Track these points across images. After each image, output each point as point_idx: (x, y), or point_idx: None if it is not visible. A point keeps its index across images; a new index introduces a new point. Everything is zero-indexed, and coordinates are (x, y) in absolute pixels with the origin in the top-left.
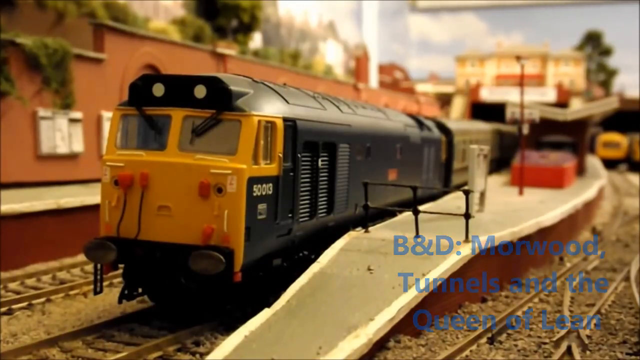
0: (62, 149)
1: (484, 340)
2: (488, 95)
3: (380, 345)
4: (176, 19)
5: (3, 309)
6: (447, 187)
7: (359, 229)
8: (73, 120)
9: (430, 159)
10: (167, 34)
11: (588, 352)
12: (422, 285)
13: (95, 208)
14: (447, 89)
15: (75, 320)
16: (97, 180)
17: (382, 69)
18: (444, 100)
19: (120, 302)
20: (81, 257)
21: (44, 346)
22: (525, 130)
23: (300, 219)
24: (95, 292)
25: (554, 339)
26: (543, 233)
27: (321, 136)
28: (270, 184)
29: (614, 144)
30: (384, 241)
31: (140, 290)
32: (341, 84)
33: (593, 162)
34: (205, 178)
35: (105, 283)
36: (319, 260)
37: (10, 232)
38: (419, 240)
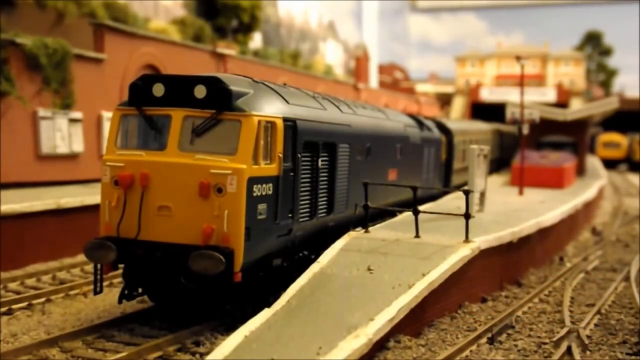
0: (62, 149)
1: (484, 340)
2: (488, 95)
3: (380, 345)
4: (176, 19)
5: (3, 309)
6: (447, 187)
7: (359, 229)
8: (73, 120)
9: (430, 159)
10: (167, 34)
11: (588, 352)
12: (422, 285)
13: (95, 208)
14: (447, 89)
15: (75, 320)
16: (97, 180)
17: (382, 69)
18: (444, 100)
19: (120, 302)
20: (81, 257)
21: (44, 346)
22: (525, 130)
23: (300, 219)
24: (95, 292)
25: (554, 339)
26: (543, 233)
27: (321, 136)
28: (270, 184)
29: (614, 144)
30: (384, 241)
31: (140, 290)
32: (341, 84)
33: (593, 162)
34: (205, 178)
35: (105, 283)
36: (319, 260)
37: (10, 232)
38: (418, 240)
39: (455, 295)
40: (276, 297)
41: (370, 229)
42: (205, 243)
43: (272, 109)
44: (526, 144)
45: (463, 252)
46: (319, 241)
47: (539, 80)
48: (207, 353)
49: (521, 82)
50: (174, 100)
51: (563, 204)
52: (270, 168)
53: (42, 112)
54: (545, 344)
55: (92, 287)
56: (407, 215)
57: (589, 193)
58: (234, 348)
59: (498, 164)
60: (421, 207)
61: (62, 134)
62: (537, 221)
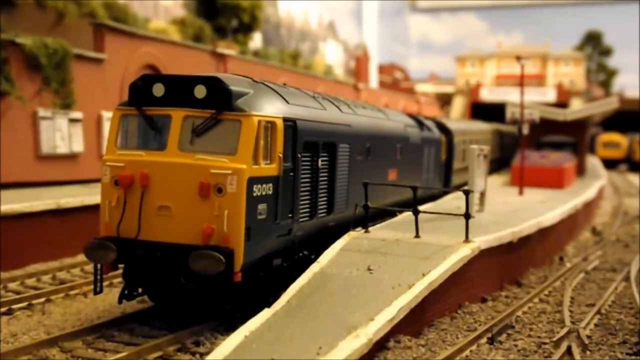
0: (62, 149)
1: (484, 340)
2: (488, 95)
3: (380, 345)
4: (176, 19)
5: (3, 309)
6: (447, 187)
7: (359, 229)
8: (73, 120)
9: (430, 159)
10: (167, 34)
11: (588, 352)
12: (422, 285)
13: (95, 208)
14: (447, 89)
15: (75, 320)
16: (97, 180)
17: (382, 69)
18: (444, 100)
19: (120, 302)
20: (81, 257)
21: (44, 346)
22: (525, 130)
23: (300, 219)
24: (95, 292)
25: (554, 339)
26: (543, 233)
27: (321, 136)
28: (270, 184)
29: (614, 144)
30: (384, 241)
31: (140, 290)
32: (341, 84)
33: (593, 162)
34: (205, 178)
35: (105, 283)
36: (319, 260)
37: (10, 232)
38: (418, 240)
39: (455, 295)
40: (276, 297)
41: (370, 229)
42: (205, 243)
43: (272, 109)
44: (526, 144)
45: (463, 252)
46: (319, 241)
47: (539, 80)
48: (207, 353)
49: (521, 82)
50: (174, 100)
51: (563, 204)
52: (270, 168)
53: (42, 112)
54: (545, 344)
55: (92, 287)
56: (407, 215)
57: (589, 193)
58: (234, 348)
59: (498, 164)
60: (421, 207)
61: (62, 134)
62: (537, 221)
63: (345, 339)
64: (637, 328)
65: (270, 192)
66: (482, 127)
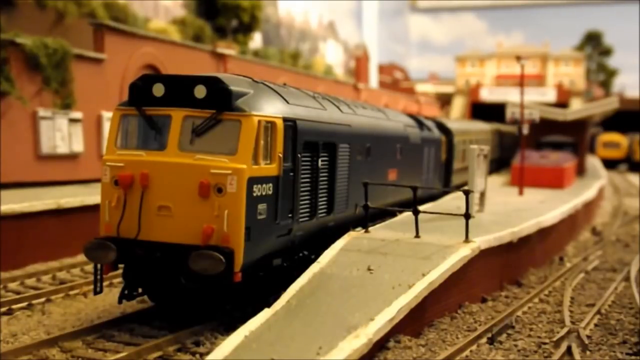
0: (62, 149)
1: (484, 340)
2: (488, 95)
3: (380, 345)
4: (176, 19)
5: (3, 309)
6: (447, 187)
7: (359, 229)
8: (73, 120)
9: (430, 159)
10: (167, 34)
11: (588, 352)
12: (422, 285)
13: (95, 208)
14: (447, 89)
15: (75, 320)
16: (97, 180)
17: (382, 69)
18: (444, 100)
19: (120, 302)
20: (81, 257)
21: (44, 346)
22: (525, 130)
23: (300, 219)
24: (95, 292)
25: (554, 339)
26: (543, 233)
27: (321, 136)
28: (270, 184)
29: (614, 144)
30: (384, 241)
31: (140, 290)
32: (341, 84)
33: (593, 162)
34: (205, 178)
35: (105, 283)
36: (319, 260)
37: (10, 232)
38: (419, 240)
39: (455, 295)
40: (276, 297)
41: (370, 229)
42: (205, 243)
43: (272, 109)
44: (526, 144)
45: (463, 252)
46: (319, 241)
47: (539, 80)
48: (207, 353)
49: (521, 82)
50: (174, 100)
51: (563, 204)
52: (270, 168)
53: (42, 112)
54: (545, 344)
55: (92, 287)
56: (407, 215)
57: (589, 193)
58: (234, 348)
59: (498, 164)
60: (421, 207)
61: (62, 134)
62: (537, 221)
63: (345, 339)
64: (637, 328)
65: (270, 192)
66: (482, 127)
